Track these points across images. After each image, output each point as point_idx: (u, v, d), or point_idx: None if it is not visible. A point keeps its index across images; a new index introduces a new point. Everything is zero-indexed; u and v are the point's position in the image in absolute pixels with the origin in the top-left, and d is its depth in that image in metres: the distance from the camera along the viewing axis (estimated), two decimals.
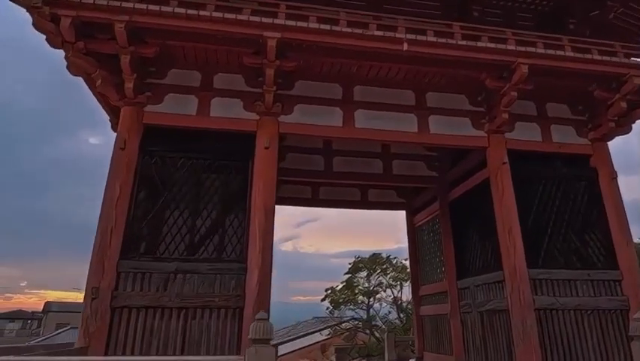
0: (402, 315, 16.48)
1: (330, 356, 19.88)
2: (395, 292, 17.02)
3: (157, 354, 5.47)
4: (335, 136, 7.22)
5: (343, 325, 17.98)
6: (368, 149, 9.28)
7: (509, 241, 6.60)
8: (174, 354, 5.50)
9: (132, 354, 5.43)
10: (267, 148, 6.43)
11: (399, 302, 16.74)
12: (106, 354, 5.35)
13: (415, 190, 10.80)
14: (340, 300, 17.41)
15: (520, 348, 6.13)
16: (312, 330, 27.30)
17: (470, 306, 7.83)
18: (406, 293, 16.25)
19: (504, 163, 7.01)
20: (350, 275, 17.48)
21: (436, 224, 9.57)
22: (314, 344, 24.49)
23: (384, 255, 17.63)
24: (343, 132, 7.02)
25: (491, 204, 7.02)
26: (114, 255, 5.70)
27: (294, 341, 31.54)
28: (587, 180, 7.49)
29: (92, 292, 5.48)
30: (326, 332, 19.67)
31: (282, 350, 35.31)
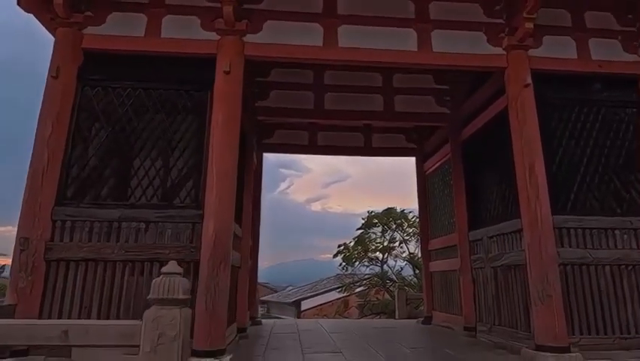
0: (417, 271, 15.52)
1: (351, 312, 19.50)
2: (410, 248, 16.03)
3: (99, 313, 4.70)
4: (314, 58, 5.94)
5: (356, 281, 17.31)
6: (365, 82, 7.95)
7: (530, 181, 5.33)
8: (118, 313, 4.72)
9: (70, 313, 4.68)
10: (227, 73, 5.28)
11: (415, 258, 15.76)
12: (40, 313, 4.61)
13: (425, 134, 9.48)
14: (353, 257, 16.61)
15: (538, 310, 5.02)
16: (333, 287, 27.13)
17: (483, 261, 6.70)
18: None
19: (526, 85, 5.61)
20: (362, 231, 16.54)
21: (447, 170, 8.31)
22: (337, 299, 24.27)
23: (398, 209, 16.52)
24: (324, 54, 5.75)
25: (509, 139, 5.70)
26: (47, 201, 4.84)
27: (317, 297, 31.70)
28: (633, 107, 6.01)
29: (21, 243, 4.68)
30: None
31: (305, 305, 35.81)
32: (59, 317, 4.61)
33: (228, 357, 4.48)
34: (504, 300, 6.08)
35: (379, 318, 15.03)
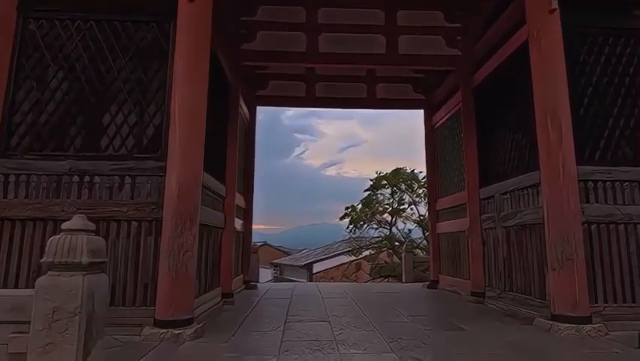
0: (427, 234, 14.85)
1: (359, 275, 19.19)
2: (420, 210, 15.31)
3: None
4: None
5: (364, 245, 16.79)
6: (365, 20, 6.97)
7: (552, 125, 4.46)
8: None
9: (17, 279, 4.15)
10: (191, 1, 4.44)
11: (424, 221, 15.06)
12: None
13: (434, 83, 8.51)
14: (360, 219, 15.99)
15: (557, 275, 4.29)
16: (345, 250, 26.93)
17: (494, 220, 5.95)
18: None
19: (551, 11, 4.63)
20: (370, 192, 15.82)
21: (457, 121, 7.42)
22: (348, 262, 24.05)
23: (408, 169, 15.66)
24: None
25: (529, 79, 4.79)
26: None
27: (329, 260, 31.70)
28: None
29: None
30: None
31: (317, 268, 35.95)
32: (4, 284, 4.09)
33: (193, 328, 3.91)
34: (517, 263, 5.37)
35: (387, 281, 14.60)
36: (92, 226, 2.39)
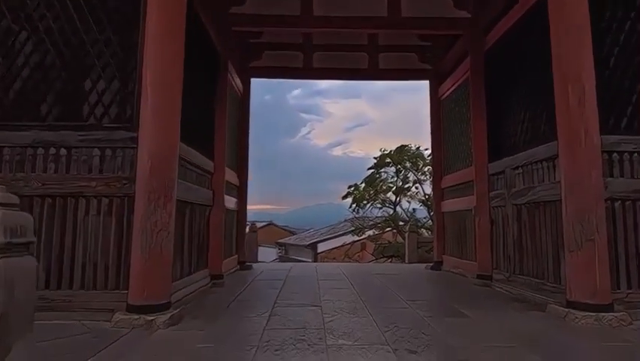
0: (432, 213, 14.42)
1: (362, 255, 18.88)
2: (426, 189, 14.81)
3: None
4: None
5: (367, 224, 16.39)
6: None
7: (573, 88, 3.94)
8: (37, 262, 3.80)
9: None
10: None
11: (429, 200, 14.59)
12: None
13: (441, 51, 7.92)
14: (363, 198, 15.55)
15: (574, 257, 3.85)
16: (350, 229, 26.69)
17: (503, 198, 5.48)
18: None
19: None
20: (373, 171, 15.31)
21: (465, 91, 6.86)
22: (353, 242, 23.78)
23: (413, 146, 15.09)
24: None
25: (546, 38, 4.23)
26: None
27: (334, 240, 31.60)
28: None
29: None
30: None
31: (321, 247, 35.87)
32: None
33: (169, 314, 3.54)
34: (528, 244, 4.92)
35: (390, 262, 14.26)
36: (13, 198, 1.97)
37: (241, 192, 7.94)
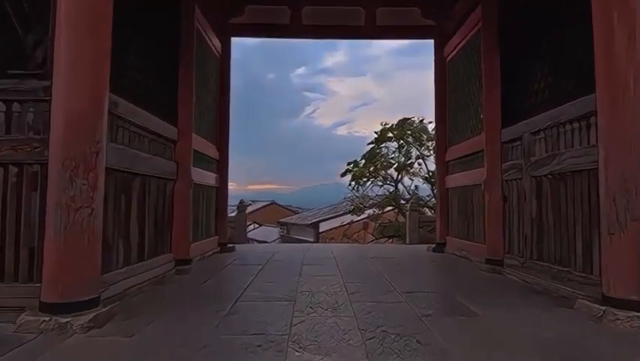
0: (435, 191, 13.55)
1: (360, 235, 18.13)
2: (430, 165, 13.88)
3: None
4: None
5: (367, 204, 15.55)
6: None
7: (619, 19, 3.00)
8: None
9: None
10: None
11: (433, 177, 13.69)
12: None
13: (448, 2, 6.89)
14: (363, 176, 14.65)
15: (614, 242, 2.99)
16: (350, 208, 26.00)
17: (519, 169, 4.59)
18: None
19: None
20: (373, 146, 14.36)
21: (475, 46, 5.89)
22: (355, 221, 23.08)
23: (416, 120, 14.07)
24: None
25: None
26: None
27: (335, 219, 31.01)
28: None
29: None
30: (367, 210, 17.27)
31: (323, 227, 35.27)
32: None
33: (90, 315, 2.75)
34: (550, 224, 4.05)
35: (391, 242, 13.50)
36: None
37: (221, 167, 7.09)
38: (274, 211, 52.53)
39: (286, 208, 55.45)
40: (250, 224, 47.85)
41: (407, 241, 10.22)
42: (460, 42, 6.50)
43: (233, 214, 9.44)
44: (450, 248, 6.78)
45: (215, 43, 6.83)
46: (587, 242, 3.48)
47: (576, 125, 3.65)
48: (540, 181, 4.20)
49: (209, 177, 6.42)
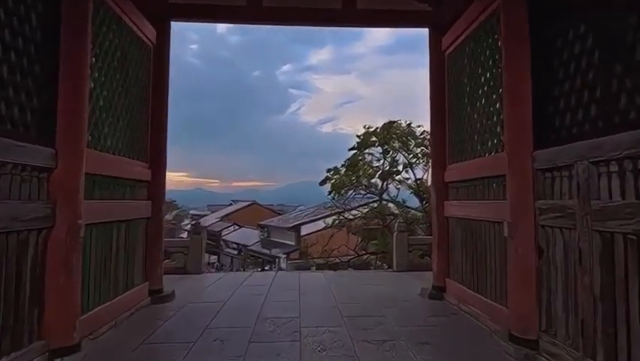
0: (425, 203, 12.04)
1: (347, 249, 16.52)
2: (418, 173, 12.39)
3: None
4: None
5: (351, 213, 13.97)
6: None
7: None
8: None
9: None
10: None
11: (422, 187, 12.20)
12: None
13: None
14: (344, 185, 13.06)
15: None
16: (334, 212, 24.61)
17: (570, 215, 3.05)
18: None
19: None
20: (355, 152, 12.78)
21: (488, 34, 4.35)
22: (339, 227, 21.53)
23: (403, 123, 12.54)
24: None
25: None
26: None
27: (318, 222, 29.58)
28: None
29: None
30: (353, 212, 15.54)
31: (305, 230, 33.64)
32: None
33: None
34: (634, 312, 2.52)
35: (376, 260, 11.95)
36: None
37: (155, 190, 5.40)
38: (255, 212, 50.65)
39: (268, 208, 53.60)
40: (230, 225, 46.06)
41: (394, 267, 8.70)
42: (466, 29, 4.94)
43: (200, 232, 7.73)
44: (451, 296, 5.25)
45: (148, 28, 5.15)
46: None
47: None
48: (611, 240, 2.67)
49: (129, 208, 4.74)
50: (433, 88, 5.82)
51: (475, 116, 4.73)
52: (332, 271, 8.89)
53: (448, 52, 5.59)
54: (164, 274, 7.70)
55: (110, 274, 4.26)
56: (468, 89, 4.97)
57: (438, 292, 5.53)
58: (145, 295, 5.15)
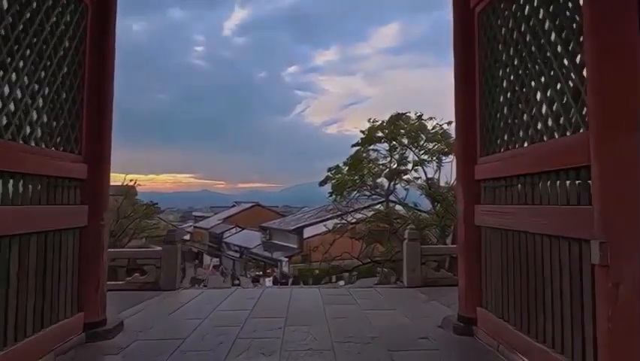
0: (438, 206, 10.64)
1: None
2: (429, 171, 11.02)
3: None
4: None
5: (354, 217, 12.61)
6: None
7: None
8: None
9: None
10: None
11: (433, 187, 10.81)
12: None
13: None
14: (346, 184, 11.70)
15: None
16: (336, 214, 23.41)
17: None
18: (447, 173, 10.19)
19: None
20: (359, 148, 11.43)
21: None
22: (341, 230, 20.26)
23: (413, 115, 11.17)
24: None
25: None
26: None
27: (320, 225, 28.61)
28: None
29: None
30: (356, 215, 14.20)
31: (307, 233, 32.47)
32: None
33: None
34: None
35: (380, 270, 10.61)
36: None
37: (94, 190, 4.12)
38: (258, 213, 49.47)
39: (271, 210, 52.38)
40: (232, 227, 44.89)
41: (404, 282, 7.41)
42: None
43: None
44: (485, 332, 3.91)
45: None
46: None
47: None
48: None
49: (50, 216, 3.45)
50: (458, 58, 4.48)
51: (520, 89, 3.38)
52: (331, 289, 7.54)
53: (479, 8, 4.25)
54: (133, 290, 6.51)
55: (9, 309, 2.97)
56: (514, 54, 3.61)
57: (466, 325, 4.19)
58: (77, 330, 3.86)
